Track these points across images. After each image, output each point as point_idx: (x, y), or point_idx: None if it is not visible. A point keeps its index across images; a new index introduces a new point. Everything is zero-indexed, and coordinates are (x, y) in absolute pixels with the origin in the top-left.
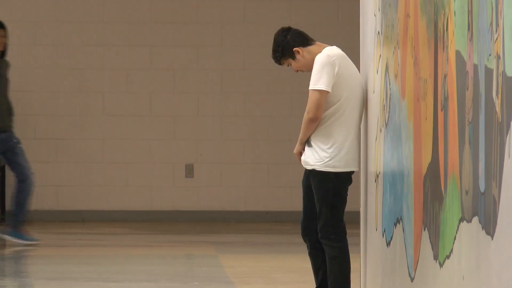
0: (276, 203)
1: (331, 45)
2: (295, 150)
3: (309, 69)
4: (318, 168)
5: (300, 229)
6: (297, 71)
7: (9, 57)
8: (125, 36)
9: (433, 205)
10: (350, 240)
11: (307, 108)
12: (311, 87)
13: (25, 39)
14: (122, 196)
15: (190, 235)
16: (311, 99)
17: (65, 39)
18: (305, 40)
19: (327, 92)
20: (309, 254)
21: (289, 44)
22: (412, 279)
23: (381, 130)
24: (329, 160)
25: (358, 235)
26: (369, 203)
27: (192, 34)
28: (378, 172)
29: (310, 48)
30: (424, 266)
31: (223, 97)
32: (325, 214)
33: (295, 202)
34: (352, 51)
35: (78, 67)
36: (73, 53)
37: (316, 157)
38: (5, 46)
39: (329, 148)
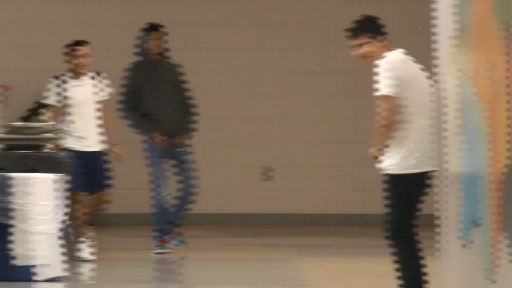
0: (355, 206)
1: (400, 47)
2: (371, 153)
3: (371, 62)
4: (390, 171)
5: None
6: (361, 57)
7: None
8: (202, 39)
9: (510, 209)
10: (426, 243)
11: (378, 115)
12: (377, 94)
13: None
14: (200, 199)
15: (269, 238)
16: (380, 106)
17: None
18: (385, 36)
19: (394, 96)
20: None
21: (376, 29)
22: (490, 282)
23: (456, 133)
24: (401, 162)
25: (434, 238)
26: (445, 206)
27: (272, 37)
28: (454, 175)
29: (383, 44)
30: (502, 269)
31: (304, 100)
32: (394, 217)
33: (375, 205)
34: (425, 54)
35: None
36: None
37: (389, 160)
38: (163, 48)
39: (401, 150)
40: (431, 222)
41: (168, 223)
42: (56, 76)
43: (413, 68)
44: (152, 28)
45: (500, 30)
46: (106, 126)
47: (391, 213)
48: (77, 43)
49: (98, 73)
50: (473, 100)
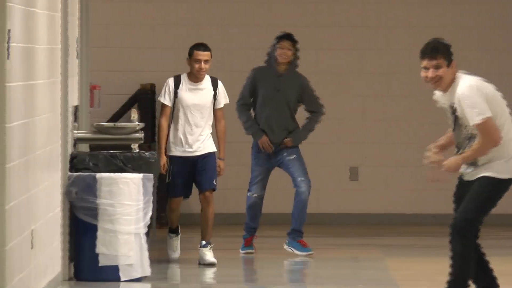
0: (442, 205)
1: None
2: (452, 165)
3: (438, 86)
4: (494, 175)
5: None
6: (432, 79)
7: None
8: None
9: None
10: (508, 242)
11: (483, 141)
12: (476, 121)
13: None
14: (287, 199)
15: (356, 238)
16: (485, 130)
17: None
18: (454, 63)
19: (491, 116)
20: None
21: (451, 54)
22: None
23: None
24: (505, 167)
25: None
26: None
27: (357, 37)
28: None
29: (453, 70)
30: None
31: (389, 100)
32: (472, 211)
33: None
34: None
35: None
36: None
37: (493, 166)
38: (291, 59)
39: (503, 155)
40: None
41: (253, 227)
42: (175, 77)
43: (486, 83)
44: (285, 37)
45: None
46: (218, 136)
47: (475, 212)
48: (197, 47)
49: (216, 80)
50: None
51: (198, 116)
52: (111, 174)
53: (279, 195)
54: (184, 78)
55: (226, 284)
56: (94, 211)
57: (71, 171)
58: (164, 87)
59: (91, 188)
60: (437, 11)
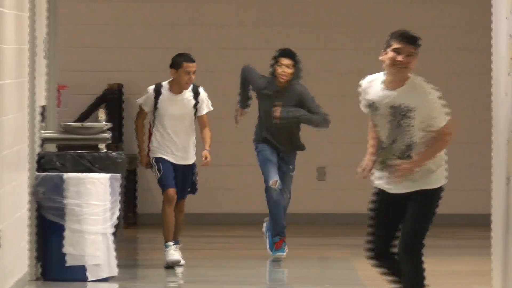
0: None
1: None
2: (406, 173)
3: (404, 74)
4: (437, 185)
5: (374, 254)
6: (402, 64)
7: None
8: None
9: None
10: (483, 243)
11: (442, 143)
12: (443, 123)
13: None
14: (248, 199)
15: (324, 238)
16: (448, 132)
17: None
18: None
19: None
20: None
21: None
22: None
23: None
24: (444, 173)
25: (489, 237)
26: (500, 206)
27: (322, 37)
28: (510, 175)
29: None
30: None
31: (356, 99)
32: (421, 229)
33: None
34: (484, 54)
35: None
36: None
37: (433, 174)
38: (290, 77)
39: (442, 162)
40: (487, 222)
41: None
42: (156, 86)
43: None
44: (284, 54)
45: None
46: (204, 135)
47: (424, 227)
48: (186, 58)
49: (197, 88)
50: None
51: (180, 125)
52: (79, 174)
53: (251, 194)
54: (165, 88)
55: (193, 284)
56: (61, 211)
57: (38, 171)
58: (145, 94)
59: (58, 188)
60: (415, 11)
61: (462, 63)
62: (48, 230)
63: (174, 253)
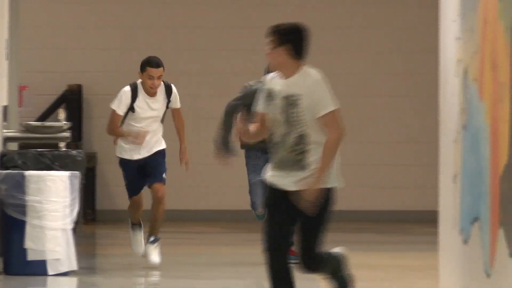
0: (357, 202)
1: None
2: (318, 186)
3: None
4: (333, 185)
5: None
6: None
7: None
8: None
9: (509, 205)
10: (430, 239)
11: (335, 134)
12: (330, 109)
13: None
14: (207, 196)
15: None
16: (337, 120)
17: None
18: None
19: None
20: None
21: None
22: (488, 276)
23: (459, 132)
24: (337, 173)
25: (436, 233)
26: (447, 203)
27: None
28: (456, 173)
29: (298, 62)
30: (500, 263)
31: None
32: (323, 234)
33: (367, 202)
34: (432, 56)
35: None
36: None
37: (329, 174)
38: None
39: (336, 161)
40: (434, 218)
41: None
42: (133, 88)
43: None
44: None
45: (504, 33)
46: (178, 128)
47: (319, 231)
48: (150, 64)
49: (169, 86)
50: (477, 100)
51: (153, 125)
52: (39, 172)
53: (203, 192)
54: (140, 90)
55: (155, 277)
56: (22, 208)
57: (0, 169)
58: (119, 96)
59: (19, 185)
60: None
61: (410, 64)
62: (10, 226)
63: (154, 256)
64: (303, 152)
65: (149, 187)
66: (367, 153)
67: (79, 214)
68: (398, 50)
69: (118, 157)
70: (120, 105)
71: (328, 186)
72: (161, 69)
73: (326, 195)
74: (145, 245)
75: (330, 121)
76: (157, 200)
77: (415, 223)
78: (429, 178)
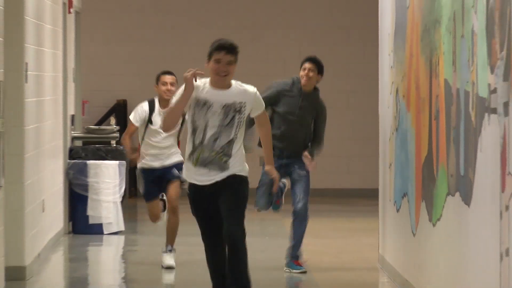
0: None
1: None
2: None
3: (226, 82)
4: (246, 173)
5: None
6: (228, 73)
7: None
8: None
9: (428, 184)
10: (373, 208)
11: (268, 123)
12: (263, 109)
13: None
14: None
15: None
16: (267, 116)
17: None
18: None
19: None
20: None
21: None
22: (414, 235)
23: (393, 133)
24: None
25: (377, 205)
26: (385, 183)
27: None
28: (391, 162)
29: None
30: (422, 226)
31: None
32: (243, 213)
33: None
34: (374, 80)
35: None
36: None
37: (244, 164)
38: (313, 83)
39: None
40: (375, 194)
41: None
42: (150, 102)
43: None
44: (308, 59)
45: (424, 64)
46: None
47: (242, 215)
48: (162, 72)
49: None
50: (405, 111)
51: (169, 137)
52: (97, 161)
53: None
54: (157, 104)
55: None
56: (85, 187)
57: (69, 159)
58: (136, 109)
59: (83, 171)
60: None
61: (360, 84)
62: (76, 200)
63: (169, 260)
64: (226, 153)
65: (166, 194)
66: (333, 147)
67: (125, 191)
68: (350, 75)
69: (140, 168)
70: (135, 116)
71: (245, 174)
72: (173, 76)
73: (245, 181)
74: (162, 252)
75: (264, 117)
76: (171, 210)
77: (361, 198)
78: (373, 164)
